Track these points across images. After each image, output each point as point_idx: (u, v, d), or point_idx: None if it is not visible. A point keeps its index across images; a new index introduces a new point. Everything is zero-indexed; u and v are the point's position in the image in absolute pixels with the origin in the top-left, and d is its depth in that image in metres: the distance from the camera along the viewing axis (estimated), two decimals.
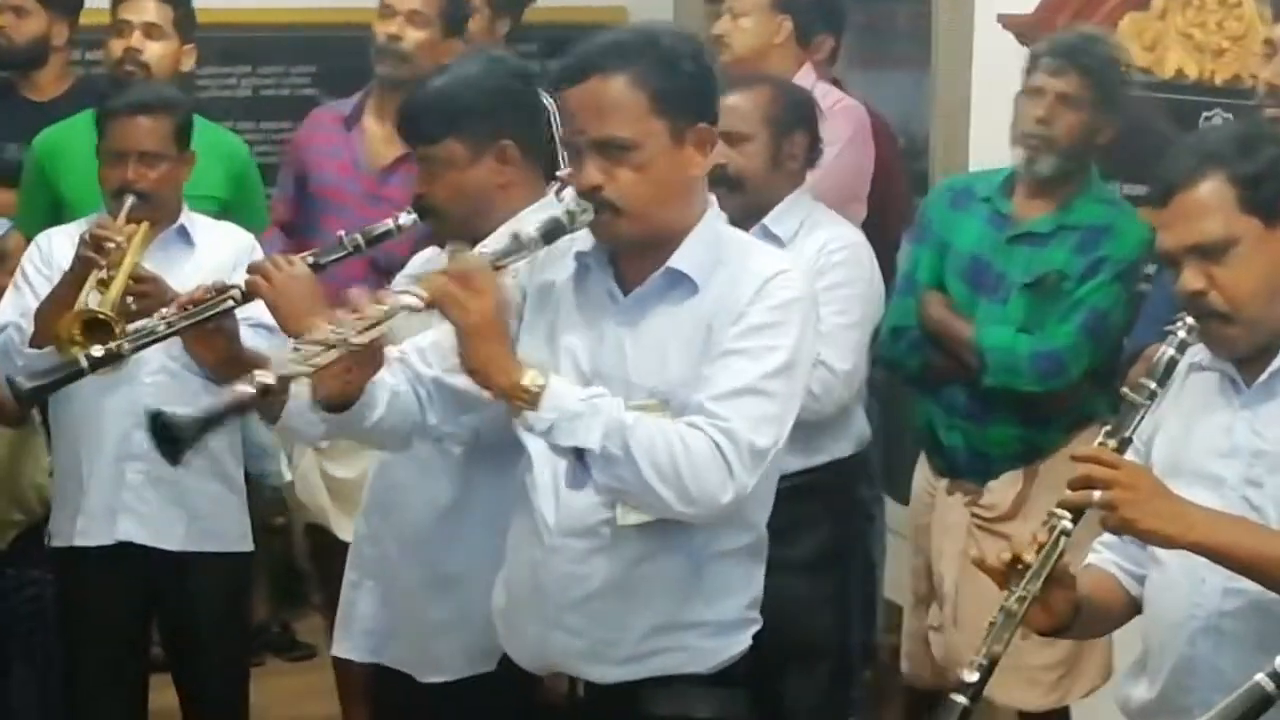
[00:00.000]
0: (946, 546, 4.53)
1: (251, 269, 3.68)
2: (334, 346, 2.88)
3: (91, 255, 4.03)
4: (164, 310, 3.73)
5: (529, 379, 2.88)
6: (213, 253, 4.35)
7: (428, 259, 3.67)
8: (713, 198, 3.10)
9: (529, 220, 3.26)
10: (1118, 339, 4.33)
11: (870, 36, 6.05)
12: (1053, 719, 4.57)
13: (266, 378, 2.87)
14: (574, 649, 3.04)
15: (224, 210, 4.81)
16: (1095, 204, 4.37)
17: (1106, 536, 3.05)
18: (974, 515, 4.47)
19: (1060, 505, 2.78)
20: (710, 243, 3.02)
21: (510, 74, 3.62)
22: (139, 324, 3.75)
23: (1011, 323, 4.32)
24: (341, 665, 3.82)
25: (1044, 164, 4.33)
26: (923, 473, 4.65)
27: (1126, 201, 4.49)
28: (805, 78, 5.39)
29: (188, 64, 5.26)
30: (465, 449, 3.39)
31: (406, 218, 3.67)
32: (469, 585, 3.37)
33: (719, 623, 3.05)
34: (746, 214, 4.20)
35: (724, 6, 5.44)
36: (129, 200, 4.19)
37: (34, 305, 4.23)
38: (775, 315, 2.95)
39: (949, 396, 4.44)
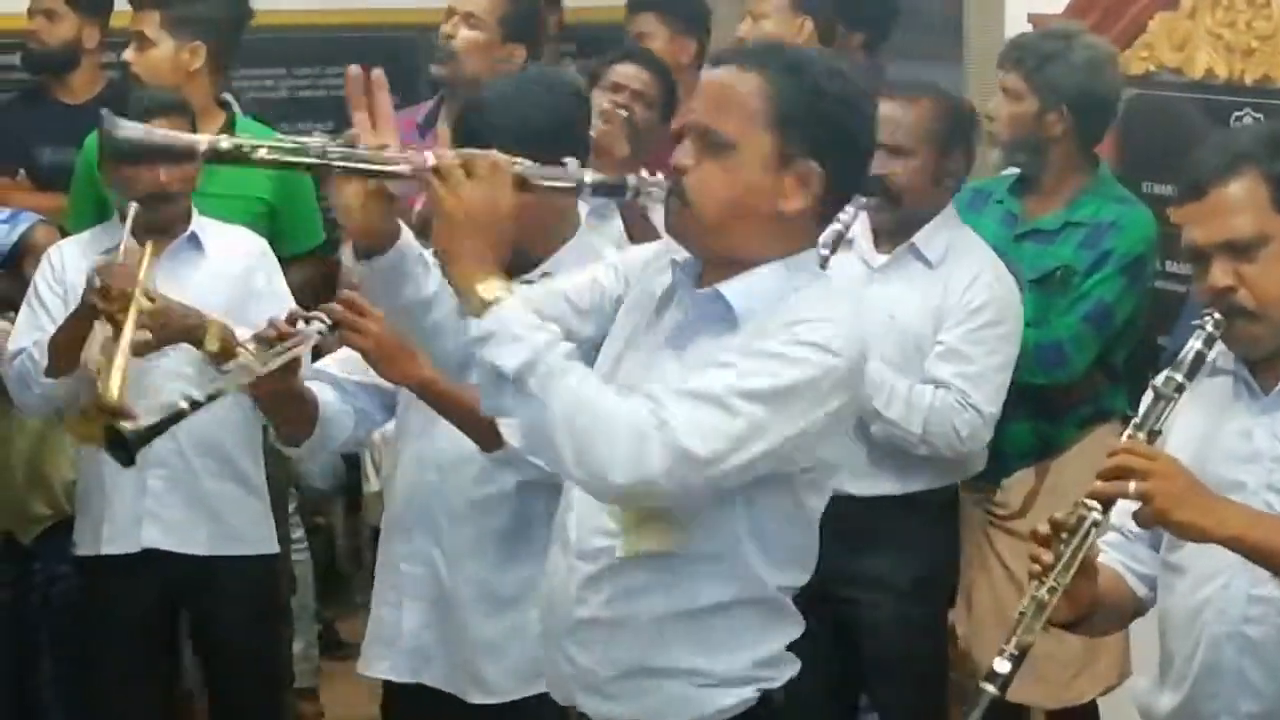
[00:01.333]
0: (962, 543, 4.54)
1: (336, 318, 3.39)
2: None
3: (96, 303, 4.02)
4: (254, 347, 3.56)
5: (487, 287, 2.68)
6: (225, 259, 4.36)
7: None
8: (815, 253, 2.91)
9: (563, 265, 3.27)
10: (1130, 333, 4.38)
11: (902, 31, 6.02)
12: (1076, 717, 4.57)
13: (197, 395, 3.35)
14: (568, 675, 2.97)
15: (272, 215, 4.83)
16: (1102, 201, 4.40)
17: (1112, 535, 3.02)
18: (987, 513, 4.49)
19: (1091, 495, 2.74)
20: (775, 281, 2.81)
21: (570, 92, 3.54)
22: (238, 363, 3.58)
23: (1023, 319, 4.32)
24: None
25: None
26: None
27: (1135, 198, 4.48)
28: None
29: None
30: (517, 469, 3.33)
31: None
32: (521, 606, 3.36)
33: (716, 674, 2.87)
34: (899, 228, 4.21)
35: (746, 8, 5.44)
36: (133, 209, 4.18)
37: (48, 325, 4.27)
38: (790, 349, 2.72)
39: None
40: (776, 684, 2.90)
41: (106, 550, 4.32)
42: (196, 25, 5.02)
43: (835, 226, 3.84)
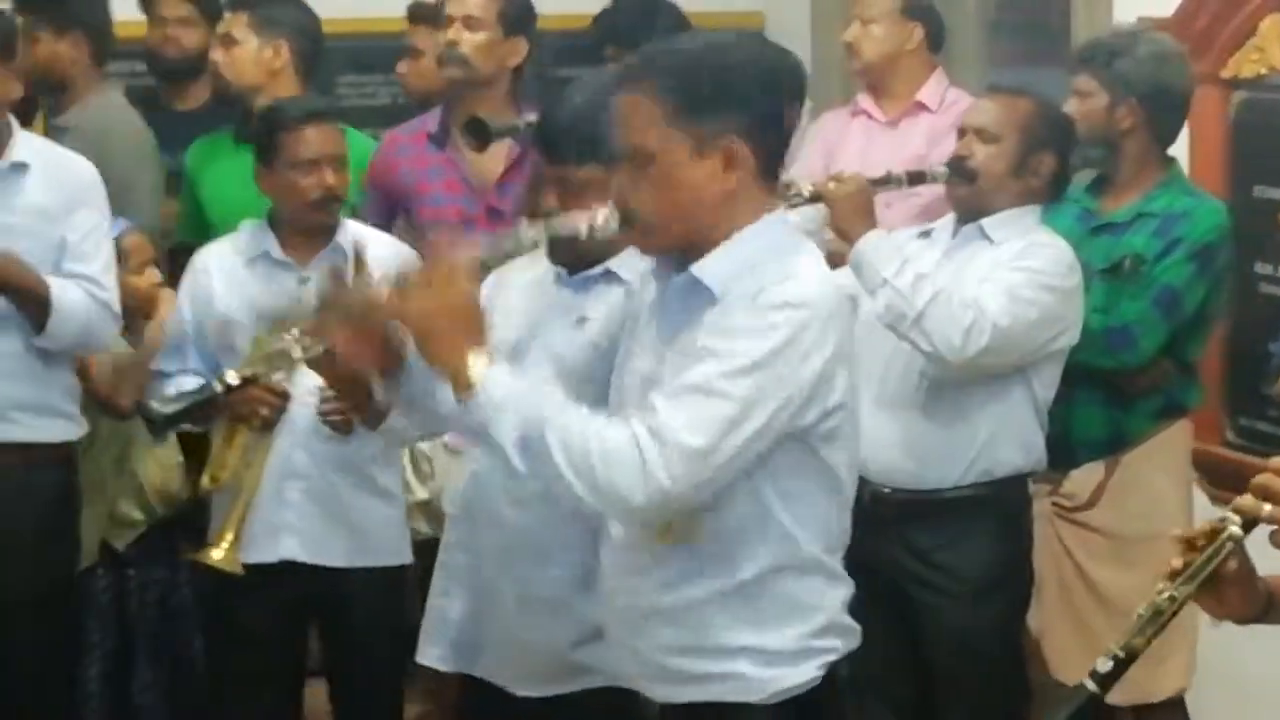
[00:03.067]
0: None
1: None
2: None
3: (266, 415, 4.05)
4: (296, 334, 3.61)
5: (471, 369, 2.84)
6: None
7: (523, 267, 3.55)
8: (778, 212, 3.02)
9: (627, 262, 3.30)
10: (1202, 325, 4.40)
11: (1010, 35, 6.00)
12: (1163, 713, 4.52)
13: (232, 378, 3.64)
14: (630, 664, 3.04)
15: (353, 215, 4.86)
16: (1175, 194, 4.43)
17: None
18: (1054, 505, 4.49)
19: (1234, 509, 2.67)
20: (742, 253, 2.91)
21: None
22: (277, 348, 3.63)
23: (1092, 306, 4.32)
24: (430, 673, 3.81)
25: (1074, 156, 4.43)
26: None
27: (1208, 194, 4.51)
28: (938, 84, 5.38)
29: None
30: None
31: (531, 233, 3.43)
32: (564, 600, 3.37)
33: (773, 651, 2.93)
34: (970, 208, 4.24)
35: (854, 13, 5.44)
36: (310, 285, 4.08)
37: (189, 349, 4.35)
38: (758, 319, 2.83)
39: None
40: (838, 654, 2.98)
41: (243, 559, 4.26)
42: (280, 26, 5.20)
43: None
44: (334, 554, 4.35)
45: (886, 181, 4.31)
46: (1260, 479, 2.66)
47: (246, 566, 4.24)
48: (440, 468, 4.83)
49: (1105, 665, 2.66)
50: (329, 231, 4.36)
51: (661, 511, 2.84)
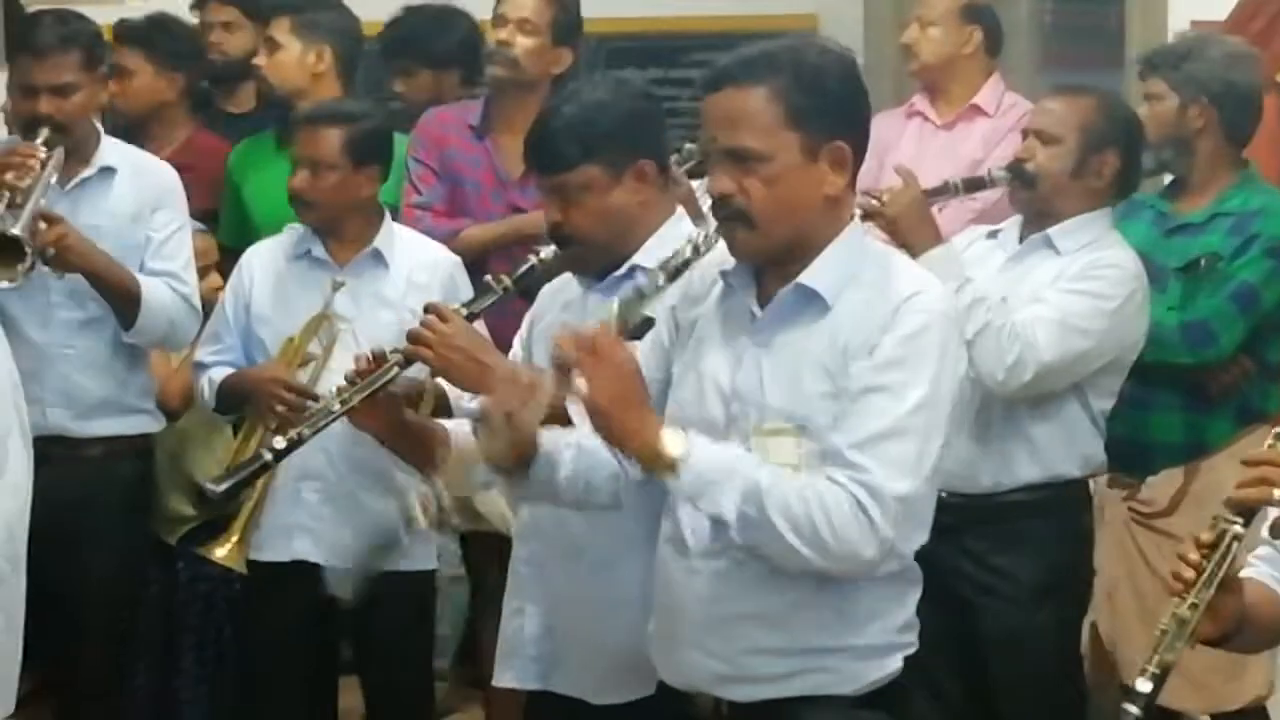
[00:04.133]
0: (1104, 540, 4.49)
1: (411, 337, 3.59)
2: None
3: (281, 412, 4.19)
4: (336, 387, 3.71)
5: (667, 447, 2.87)
6: (410, 274, 4.43)
7: (557, 289, 3.64)
8: (857, 219, 3.07)
9: (651, 256, 3.31)
10: (1278, 321, 4.36)
11: (1065, 37, 5.98)
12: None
13: (278, 443, 3.66)
14: (713, 670, 3.03)
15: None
16: (1250, 193, 4.43)
17: (1262, 549, 2.96)
18: (1131, 510, 4.47)
19: (1230, 506, 2.72)
20: (844, 260, 2.97)
21: (637, 95, 3.57)
22: (315, 407, 3.78)
23: (1168, 305, 4.33)
24: (500, 695, 3.80)
25: (1145, 159, 4.39)
26: None
27: None
28: (994, 88, 5.36)
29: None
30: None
31: (547, 250, 3.57)
32: (632, 606, 3.34)
33: (866, 647, 2.99)
34: (1032, 212, 4.22)
35: (913, 15, 5.44)
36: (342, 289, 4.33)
37: (226, 336, 4.48)
38: (909, 347, 2.90)
39: None
40: (915, 647, 3.04)
41: (255, 555, 4.38)
42: (323, 30, 5.25)
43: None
44: (348, 556, 4.32)
45: (943, 191, 4.30)
46: (1256, 470, 2.73)
47: (262, 564, 4.35)
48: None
49: (1145, 686, 2.66)
50: (368, 234, 4.43)
51: (883, 557, 2.90)
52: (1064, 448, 4.18)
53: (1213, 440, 4.40)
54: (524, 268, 3.62)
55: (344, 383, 3.66)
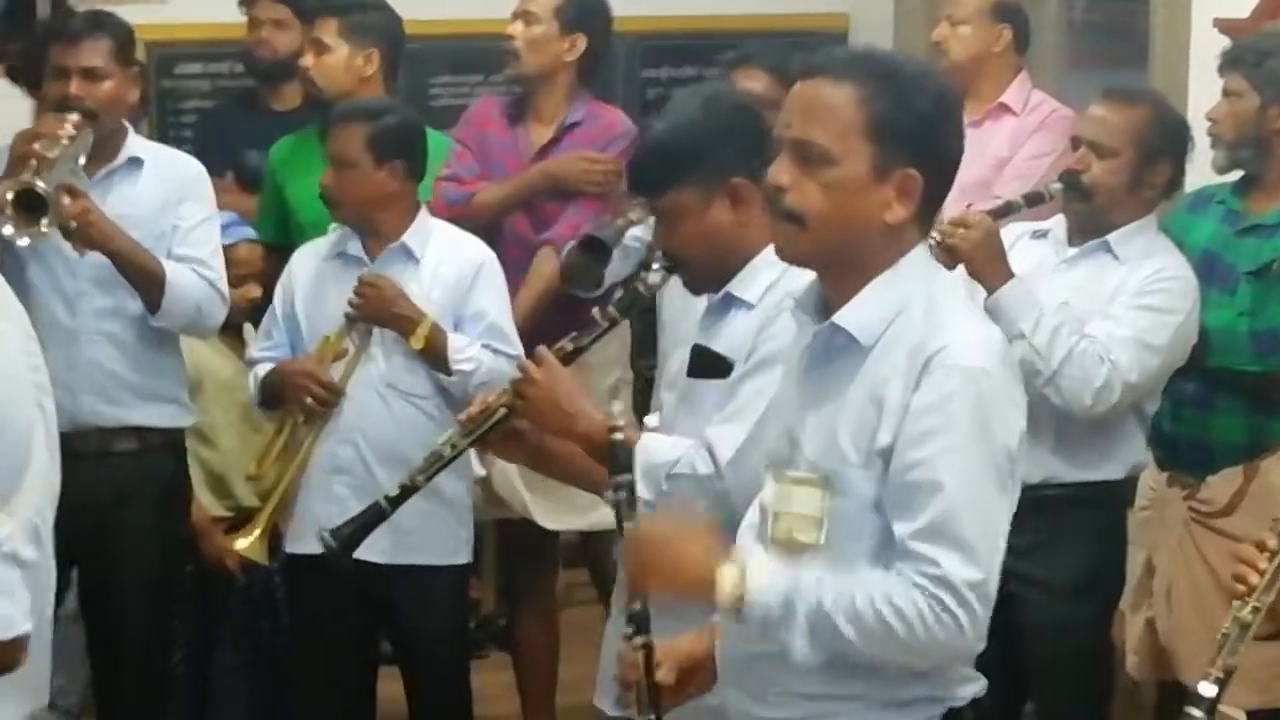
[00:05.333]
0: (1163, 539, 4.53)
1: (513, 389, 3.46)
2: (446, 458, 3.53)
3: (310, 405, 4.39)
4: (451, 432, 3.67)
5: (724, 590, 2.72)
6: (440, 268, 4.51)
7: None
8: (922, 248, 2.84)
9: (745, 285, 3.32)
10: None
11: (1088, 36, 6.03)
12: None
13: (393, 491, 3.62)
14: (747, 710, 2.90)
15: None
16: None
17: None
18: (1191, 510, 4.46)
19: None
20: (888, 296, 2.76)
21: (731, 109, 3.42)
22: (430, 452, 3.67)
23: (1238, 309, 4.33)
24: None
25: (1219, 157, 4.42)
26: (1150, 470, 4.61)
27: None
28: (1022, 87, 5.41)
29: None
30: None
31: (653, 276, 3.42)
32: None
33: (894, 698, 2.79)
34: (1087, 225, 4.23)
35: (943, 13, 5.46)
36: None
37: (274, 333, 4.62)
38: (939, 415, 2.67)
39: (1177, 387, 4.42)
40: (960, 702, 2.84)
41: (292, 549, 4.48)
42: (371, 32, 5.25)
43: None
44: (377, 550, 4.18)
45: (1007, 211, 4.28)
46: None
47: (299, 557, 4.43)
48: None
49: (1209, 690, 2.68)
50: (401, 230, 4.52)
51: (979, 640, 2.74)
52: (1114, 451, 4.25)
53: (1274, 442, 4.36)
54: (628, 295, 3.50)
55: (457, 428, 3.60)
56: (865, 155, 2.72)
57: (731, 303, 3.36)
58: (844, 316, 2.77)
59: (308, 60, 5.25)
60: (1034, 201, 4.34)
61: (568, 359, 3.41)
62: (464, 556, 4.61)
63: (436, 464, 3.60)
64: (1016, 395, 2.77)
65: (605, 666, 3.58)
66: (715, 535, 2.82)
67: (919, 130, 2.74)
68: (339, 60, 5.21)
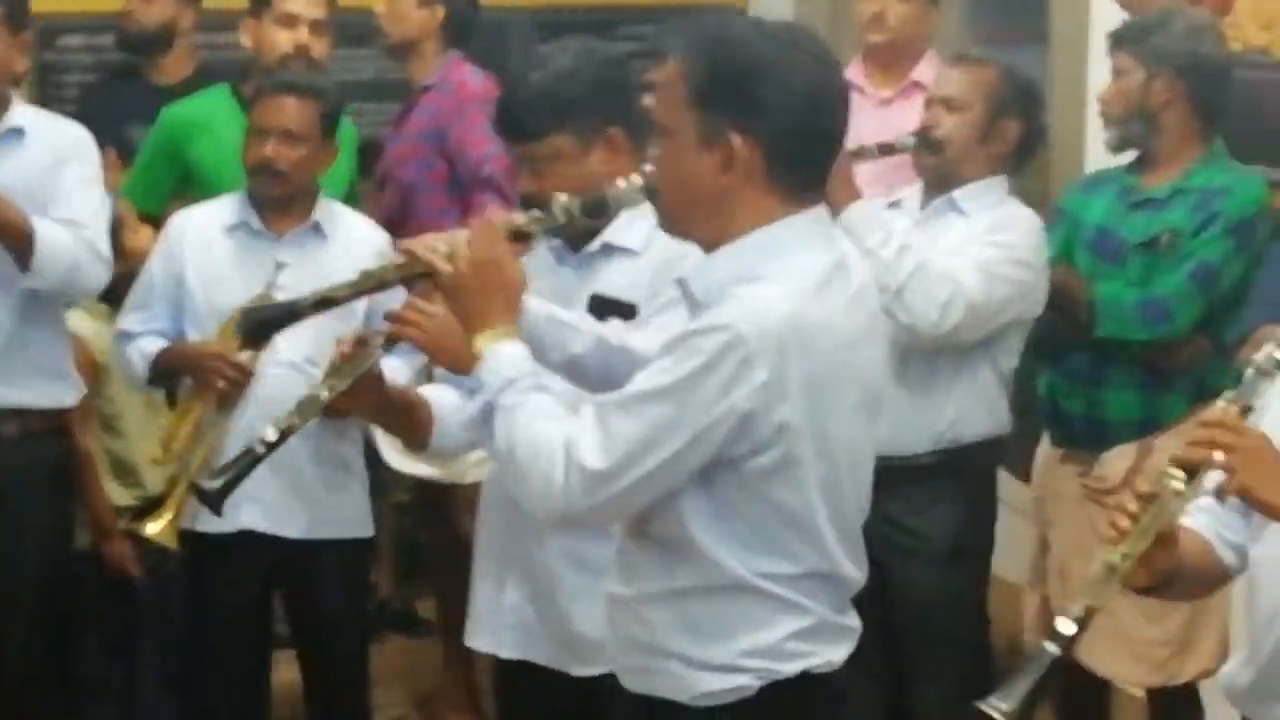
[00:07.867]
0: (1058, 516, 4.58)
1: (390, 317, 3.31)
2: (320, 396, 3.52)
3: (223, 388, 4.25)
4: (322, 373, 3.69)
5: (481, 341, 2.89)
6: (349, 249, 4.38)
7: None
8: (793, 221, 2.78)
9: (623, 231, 3.34)
10: (1237, 303, 4.38)
11: (988, 12, 6.01)
12: (1180, 701, 4.57)
13: (270, 435, 3.60)
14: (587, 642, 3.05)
15: (347, 199, 4.91)
16: (1214, 170, 4.43)
17: (1205, 501, 2.94)
18: (1085, 487, 4.49)
19: (1175, 463, 2.75)
20: (728, 268, 2.76)
21: (605, 62, 3.50)
22: (304, 395, 3.69)
23: (1126, 280, 4.37)
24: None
25: (1111, 136, 4.49)
26: (1044, 446, 4.70)
27: (1249, 170, 4.49)
28: (931, 63, 5.38)
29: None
30: None
31: (628, 187, 3.26)
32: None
33: (697, 659, 2.82)
34: (938, 178, 4.33)
35: None
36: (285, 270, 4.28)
37: (153, 303, 4.45)
38: (691, 339, 2.69)
39: (1070, 362, 4.50)
40: (784, 674, 2.83)
41: (202, 528, 4.33)
42: None
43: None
44: (295, 525, 4.36)
45: (859, 154, 4.33)
46: (1203, 431, 2.75)
47: (208, 537, 4.31)
48: None
49: (1068, 627, 2.66)
50: (306, 208, 4.42)
51: (565, 525, 2.90)
52: (976, 408, 4.31)
53: (1168, 418, 4.40)
54: (594, 199, 3.15)
55: (329, 367, 3.61)
56: (691, 123, 2.75)
57: (611, 251, 3.42)
58: (691, 275, 2.82)
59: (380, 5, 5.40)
60: (886, 151, 4.40)
61: (515, 238, 3.11)
62: (368, 530, 4.55)
63: (316, 406, 3.60)
64: (756, 371, 2.68)
65: (483, 607, 3.64)
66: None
67: (735, 93, 2.72)
68: (410, 7, 5.39)
